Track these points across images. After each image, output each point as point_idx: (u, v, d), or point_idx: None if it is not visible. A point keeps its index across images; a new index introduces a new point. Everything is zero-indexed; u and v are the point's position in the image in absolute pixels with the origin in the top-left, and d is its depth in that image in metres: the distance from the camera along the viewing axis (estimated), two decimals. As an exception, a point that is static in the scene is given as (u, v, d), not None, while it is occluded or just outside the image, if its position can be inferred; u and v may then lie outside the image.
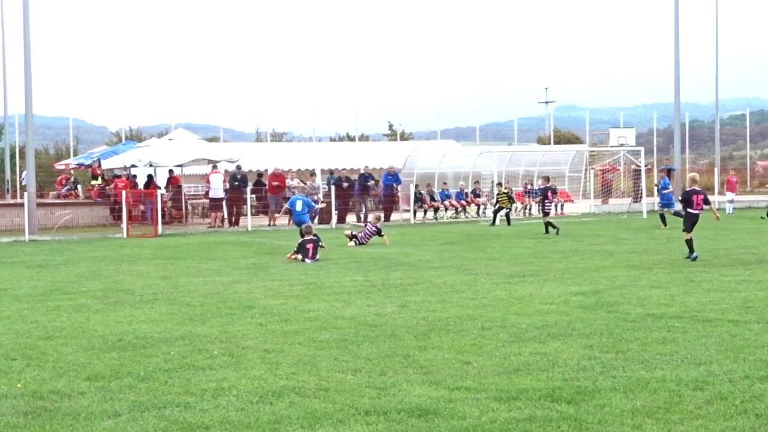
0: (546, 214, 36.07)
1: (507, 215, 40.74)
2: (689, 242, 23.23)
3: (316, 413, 9.14)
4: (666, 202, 37.36)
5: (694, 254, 22.98)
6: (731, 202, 48.23)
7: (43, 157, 71.57)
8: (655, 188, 40.99)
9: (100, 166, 49.31)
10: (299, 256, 24.66)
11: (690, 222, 23.47)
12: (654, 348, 11.95)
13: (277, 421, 8.91)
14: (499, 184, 43.67)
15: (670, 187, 38.76)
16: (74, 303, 17.27)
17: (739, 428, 8.44)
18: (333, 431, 8.60)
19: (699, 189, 24.01)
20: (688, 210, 23.59)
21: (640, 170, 49.95)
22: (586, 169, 54.39)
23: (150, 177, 46.04)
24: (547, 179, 38.40)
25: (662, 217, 36.34)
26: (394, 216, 45.33)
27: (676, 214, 34.95)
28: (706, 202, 23.68)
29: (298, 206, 30.20)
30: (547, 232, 34.02)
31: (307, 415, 9.10)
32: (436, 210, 46.38)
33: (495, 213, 41.05)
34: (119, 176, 46.54)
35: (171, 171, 46.84)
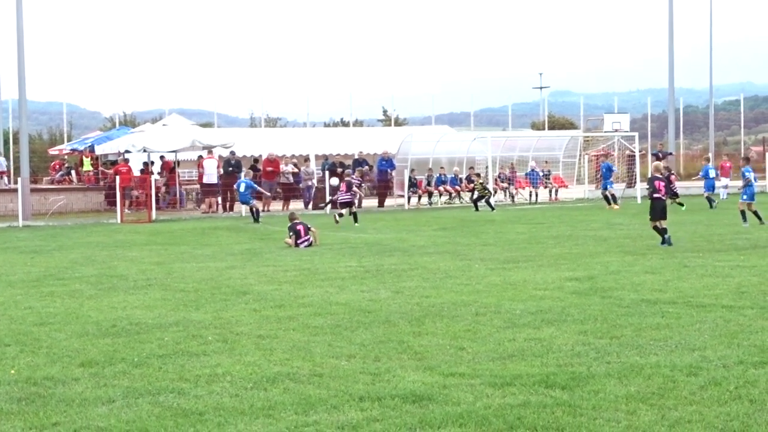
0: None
1: (488, 201, 40.90)
2: (657, 229, 23.25)
3: (311, 399, 9.14)
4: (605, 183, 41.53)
5: (667, 240, 22.89)
6: (725, 187, 48.30)
7: (36, 142, 71.33)
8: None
9: (92, 151, 49.21)
10: (292, 242, 24.73)
11: (656, 210, 23.39)
12: (648, 334, 11.96)
13: (271, 407, 8.90)
14: (477, 174, 43.86)
15: (615, 169, 43.75)
16: (68, 289, 17.26)
17: (734, 414, 8.44)
18: (327, 417, 8.59)
19: (659, 176, 24.12)
20: (654, 196, 23.59)
21: (634, 156, 49.97)
22: (580, 155, 54.36)
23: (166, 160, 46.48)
24: (360, 173, 40.99)
25: (606, 198, 40.47)
26: (389, 201, 45.30)
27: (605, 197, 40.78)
28: (669, 188, 23.74)
29: (242, 188, 35.56)
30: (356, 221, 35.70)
31: (301, 401, 9.09)
32: (430, 195, 46.36)
33: (475, 202, 41.26)
34: (115, 162, 46.44)
35: (162, 156, 46.76)
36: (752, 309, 13.64)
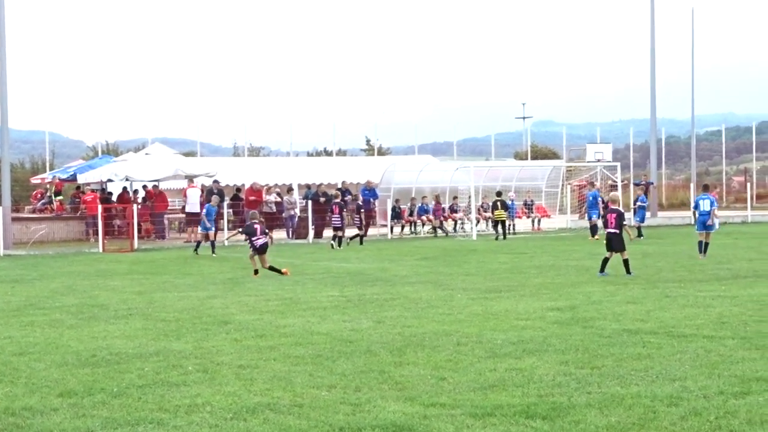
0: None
1: (497, 227, 41.47)
2: (604, 260, 23.51)
3: (291, 430, 9.11)
4: (590, 213, 40.78)
5: (604, 273, 23.24)
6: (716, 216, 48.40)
7: (18, 171, 71.03)
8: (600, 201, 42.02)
9: (72, 179, 49.07)
10: (251, 251, 25.29)
11: (607, 242, 23.65)
12: (629, 364, 11.96)
13: (250, 438, 8.86)
14: (499, 193, 43.94)
15: (599, 200, 41.83)
16: (48, 318, 17.18)
17: (714, 444, 8.44)
18: (307, 448, 8.55)
19: (615, 208, 24.10)
20: (606, 230, 23.72)
21: (616, 185, 50.07)
22: (563, 185, 54.48)
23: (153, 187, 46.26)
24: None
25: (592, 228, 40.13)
26: (372, 231, 45.27)
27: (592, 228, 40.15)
28: (620, 221, 23.57)
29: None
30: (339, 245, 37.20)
31: (281, 431, 9.05)
32: (414, 225, 46.35)
33: (500, 226, 41.70)
34: (95, 190, 46.38)
35: (145, 186, 46.73)
36: (733, 339, 13.66)
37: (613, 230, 23.51)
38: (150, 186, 47.19)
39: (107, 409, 10.07)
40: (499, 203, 41.93)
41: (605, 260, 23.51)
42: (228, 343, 14.07)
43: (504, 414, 9.52)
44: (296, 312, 17.51)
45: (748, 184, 61.46)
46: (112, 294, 21.26)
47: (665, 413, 9.47)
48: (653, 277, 22.89)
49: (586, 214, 42.22)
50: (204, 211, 34.69)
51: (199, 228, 34.90)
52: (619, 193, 27.00)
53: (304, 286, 22.04)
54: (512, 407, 9.76)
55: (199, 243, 34.56)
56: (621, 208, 24.63)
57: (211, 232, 33.97)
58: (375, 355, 12.85)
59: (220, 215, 40.37)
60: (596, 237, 38.91)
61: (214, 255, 32.77)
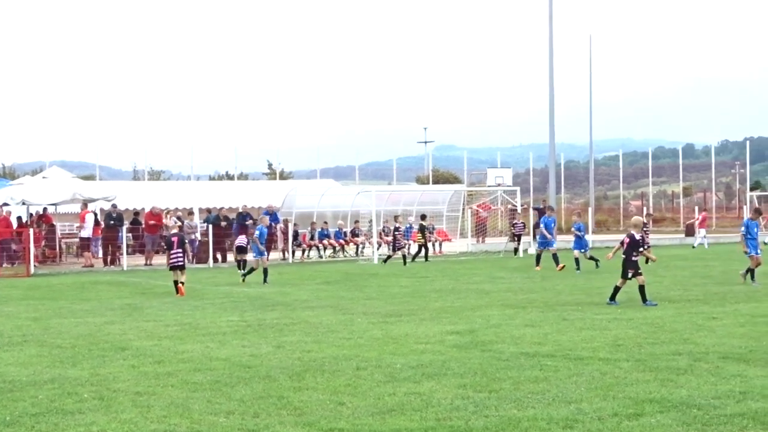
0: None
1: (424, 251, 42.48)
2: (616, 288, 22.40)
3: (187, 457, 9.01)
4: (543, 241, 36.94)
5: (614, 302, 22.13)
6: (704, 237, 50.66)
7: None
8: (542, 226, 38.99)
9: None
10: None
11: (622, 267, 22.44)
12: (526, 387, 12.07)
13: (146, 466, 8.75)
14: (423, 216, 44.25)
15: (553, 226, 38.15)
16: (-61, 346, 16.78)
17: (607, 466, 8.55)
18: (203, 475, 8.48)
19: (631, 233, 22.62)
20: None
21: (516, 209, 50.60)
22: (463, 209, 54.91)
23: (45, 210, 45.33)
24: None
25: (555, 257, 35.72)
26: (272, 255, 45.07)
27: (538, 255, 37.16)
28: (634, 247, 22.39)
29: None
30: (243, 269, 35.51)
31: (177, 459, 8.96)
32: (317, 249, 46.26)
33: (425, 249, 42.66)
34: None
35: (45, 209, 45.99)
36: (628, 361, 13.88)
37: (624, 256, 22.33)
38: (51, 209, 46.44)
39: (-1, 438, 9.89)
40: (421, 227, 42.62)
41: (617, 288, 22.41)
42: (125, 370, 13.89)
43: (402, 438, 9.55)
44: (195, 337, 17.37)
45: (645, 209, 62.67)
46: (6, 320, 20.85)
47: (561, 435, 9.58)
48: (552, 300, 23.16)
49: (543, 242, 37.01)
50: (257, 233, 31.36)
51: (253, 254, 32.17)
52: (641, 218, 25.58)
53: (204, 311, 21.88)
54: (410, 431, 9.79)
55: (252, 269, 31.40)
56: (636, 234, 22.76)
57: (264, 258, 31.29)
58: (274, 381, 12.79)
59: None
60: (562, 265, 34.54)
61: (266, 283, 29.94)
